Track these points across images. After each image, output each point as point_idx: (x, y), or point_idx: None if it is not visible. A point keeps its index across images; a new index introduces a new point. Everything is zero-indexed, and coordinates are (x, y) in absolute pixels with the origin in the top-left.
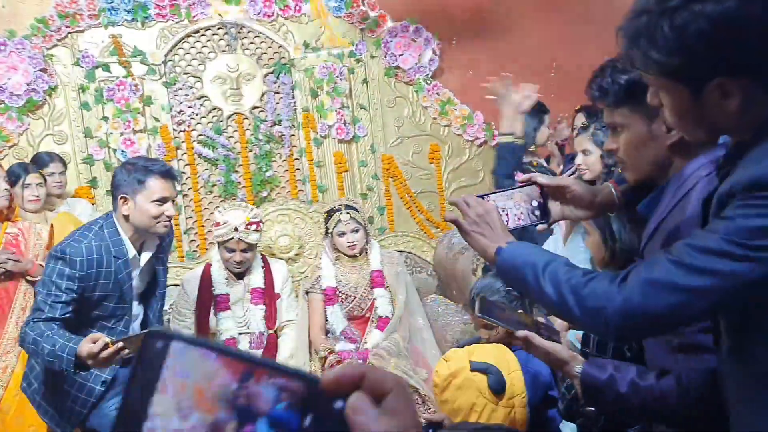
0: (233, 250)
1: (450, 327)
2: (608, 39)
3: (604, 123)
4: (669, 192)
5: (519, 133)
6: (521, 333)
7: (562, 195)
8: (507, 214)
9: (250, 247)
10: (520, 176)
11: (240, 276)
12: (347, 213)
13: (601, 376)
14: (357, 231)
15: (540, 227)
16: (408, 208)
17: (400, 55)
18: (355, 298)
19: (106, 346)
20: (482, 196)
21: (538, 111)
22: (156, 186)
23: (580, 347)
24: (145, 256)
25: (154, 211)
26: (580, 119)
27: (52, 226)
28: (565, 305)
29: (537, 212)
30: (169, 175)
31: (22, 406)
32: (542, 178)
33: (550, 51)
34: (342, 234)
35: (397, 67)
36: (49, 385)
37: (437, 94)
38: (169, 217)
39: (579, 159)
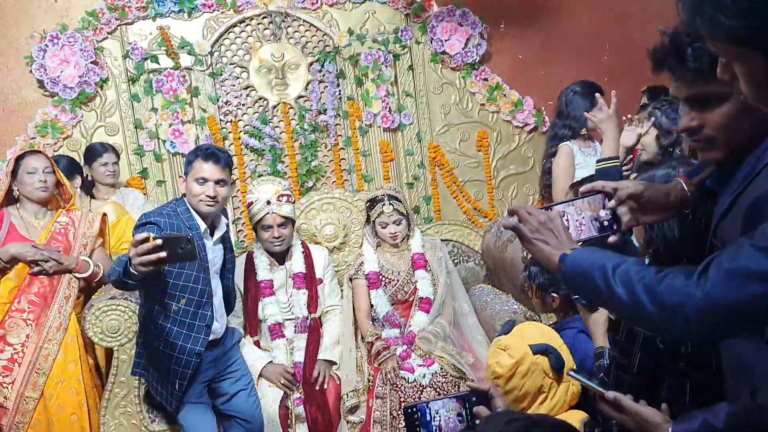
0: (270, 227)
1: (499, 316)
2: (664, 17)
3: (666, 100)
4: (747, 164)
5: (621, 158)
6: (611, 394)
7: (632, 200)
8: (573, 226)
9: (286, 222)
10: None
11: (281, 261)
12: (390, 204)
13: (693, 426)
14: (399, 223)
15: (611, 238)
16: (455, 198)
17: (446, 40)
18: (398, 282)
19: (147, 241)
20: (545, 209)
21: (591, 91)
22: (198, 166)
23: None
24: (217, 233)
25: (195, 190)
26: (644, 101)
27: (104, 214)
28: (639, 306)
29: (605, 222)
30: (211, 157)
31: (65, 394)
32: (609, 186)
33: (603, 32)
34: (385, 225)
35: (444, 52)
36: (158, 367)
37: (485, 79)
38: (210, 197)
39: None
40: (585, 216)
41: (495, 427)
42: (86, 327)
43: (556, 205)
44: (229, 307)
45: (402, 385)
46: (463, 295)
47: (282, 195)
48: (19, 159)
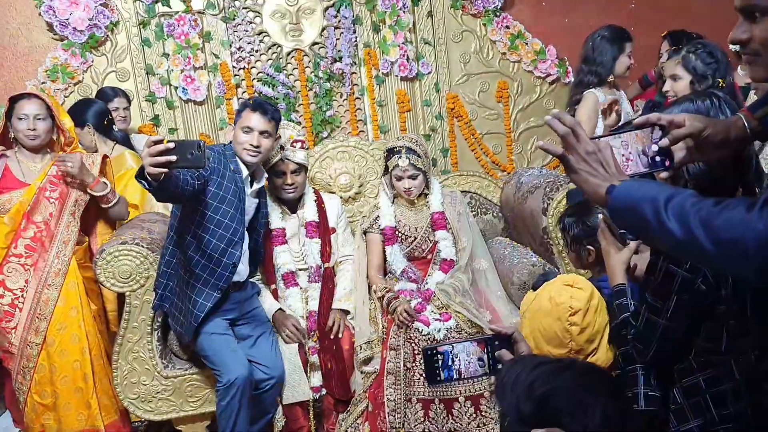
0: (283, 173)
1: (516, 269)
2: None
3: (699, 43)
4: None
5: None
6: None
7: (690, 138)
8: (619, 161)
9: (299, 169)
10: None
11: (293, 210)
12: (407, 158)
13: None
14: (415, 177)
15: (663, 174)
16: (473, 150)
17: None
18: (415, 239)
19: (161, 142)
20: (593, 140)
21: (619, 38)
22: (246, 116)
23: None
24: (255, 185)
25: (240, 138)
26: (665, 47)
27: (105, 156)
28: (694, 241)
29: (657, 158)
30: (259, 108)
31: (66, 340)
32: (664, 120)
33: None
34: (399, 178)
35: None
36: (179, 296)
37: (507, 27)
38: (254, 147)
39: (667, 85)
40: (632, 150)
41: (523, 371)
42: (97, 272)
43: (604, 136)
44: (254, 263)
45: (416, 336)
46: (483, 251)
47: (296, 141)
48: (13, 101)
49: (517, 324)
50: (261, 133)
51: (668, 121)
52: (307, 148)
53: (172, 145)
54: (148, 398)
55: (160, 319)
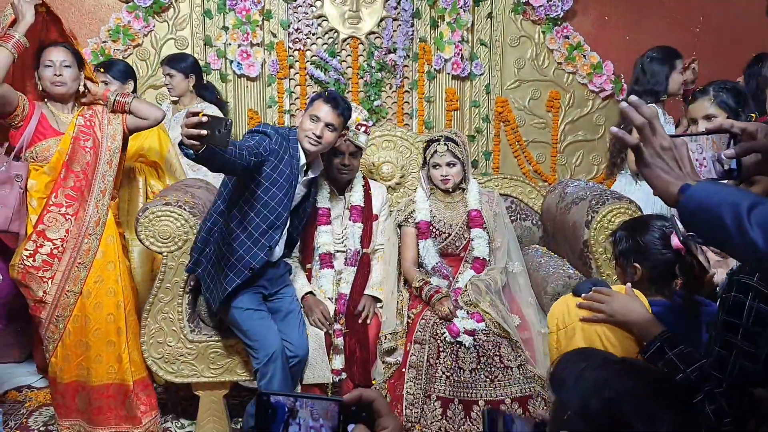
0: (342, 153)
1: (552, 279)
2: None
3: (724, 84)
4: None
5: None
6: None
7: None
8: (696, 165)
9: (357, 152)
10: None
11: (341, 192)
12: (445, 144)
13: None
14: (453, 165)
15: (730, 183)
16: (516, 157)
17: None
18: (449, 235)
19: (197, 116)
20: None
21: (669, 56)
22: (317, 105)
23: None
24: (310, 174)
25: (306, 125)
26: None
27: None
28: None
29: (729, 165)
30: (332, 101)
31: (102, 293)
32: (738, 127)
33: (698, 2)
34: (437, 166)
35: (527, 3)
36: (213, 264)
37: (566, 37)
38: (317, 136)
39: (702, 126)
40: (706, 156)
41: (589, 366)
42: (138, 230)
43: (676, 136)
44: (289, 245)
45: (442, 333)
46: (518, 254)
47: (361, 124)
48: (40, 51)
49: (546, 334)
50: (327, 125)
51: (741, 129)
52: (369, 134)
53: (205, 119)
54: (171, 360)
55: (192, 284)
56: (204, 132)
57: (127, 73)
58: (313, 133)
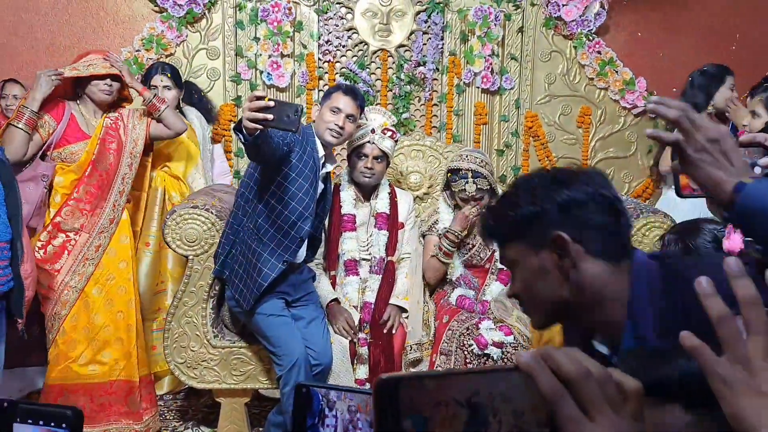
0: (366, 156)
1: None
2: None
3: None
4: None
5: None
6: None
7: None
8: None
9: (383, 157)
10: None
11: (367, 198)
12: (474, 183)
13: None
14: (481, 198)
15: None
16: None
17: (564, 5)
18: (473, 246)
19: (262, 98)
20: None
21: (720, 72)
22: (336, 97)
23: None
24: (327, 167)
25: (327, 117)
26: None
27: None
28: None
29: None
30: (350, 92)
31: (113, 291)
32: None
33: (734, 20)
34: (465, 201)
35: (559, 18)
36: (241, 264)
37: (598, 52)
38: (339, 127)
39: (746, 119)
40: None
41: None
42: (165, 232)
43: None
44: (312, 248)
45: (470, 344)
46: None
47: (388, 129)
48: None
49: None
50: (348, 116)
51: None
52: (396, 140)
53: (272, 103)
54: (194, 365)
55: (216, 288)
56: (270, 116)
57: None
58: (336, 125)
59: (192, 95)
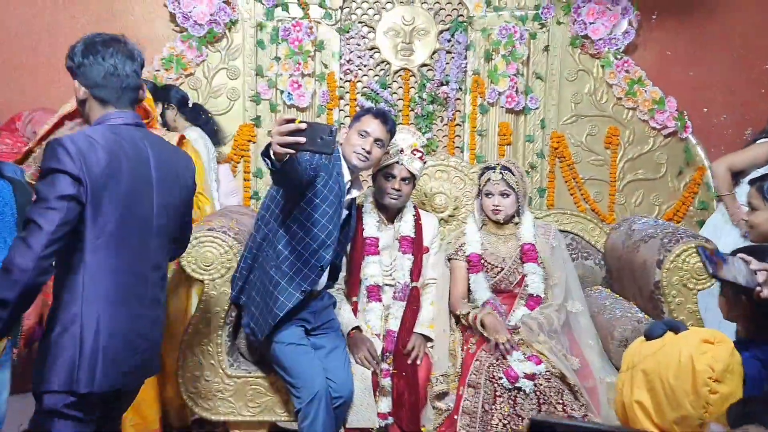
0: (393, 177)
1: (619, 323)
2: None
3: None
4: None
5: None
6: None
7: None
8: None
9: (410, 179)
10: None
11: (391, 220)
12: (500, 173)
13: None
14: (506, 195)
15: None
16: (572, 194)
17: (591, 23)
18: (502, 269)
19: (292, 122)
20: None
21: None
22: (366, 120)
23: None
24: (353, 192)
25: (354, 140)
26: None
27: (182, 136)
28: None
29: None
30: (381, 116)
31: None
32: None
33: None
34: (489, 194)
35: (586, 36)
36: (259, 291)
37: (627, 71)
38: (366, 151)
39: (743, 213)
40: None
41: None
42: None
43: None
44: (332, 275)
45: (499, 377)
46: (578, 293)
47: (417, 150)
48: None
49: (611, 384)
50: (376, 140)
51: None
52: (424, 162)
53: (303, 126)
54: (207, 395)
55: (233, 314)
56: (302, 139)
57: (153, 95)
58: (363, 149)
59: (199, 117)
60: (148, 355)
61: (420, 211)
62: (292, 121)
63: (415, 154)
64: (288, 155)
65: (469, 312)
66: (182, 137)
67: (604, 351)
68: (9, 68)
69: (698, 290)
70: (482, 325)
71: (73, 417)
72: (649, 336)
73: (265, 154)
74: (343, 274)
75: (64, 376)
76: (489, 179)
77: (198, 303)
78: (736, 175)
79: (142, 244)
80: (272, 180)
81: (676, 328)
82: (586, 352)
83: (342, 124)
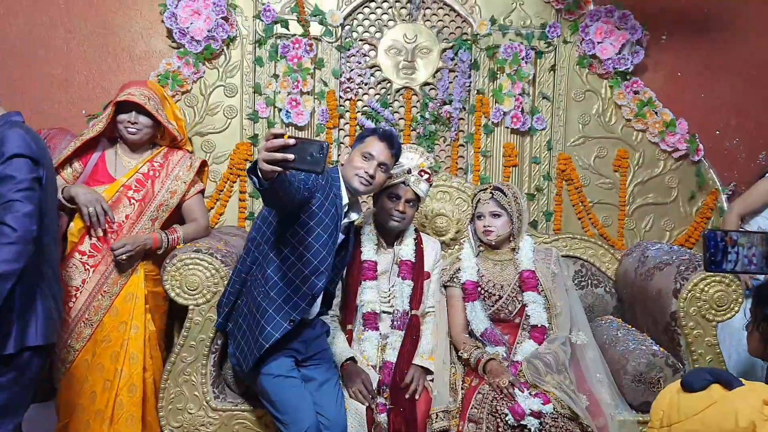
0: (398, 198)
1: (632, 356)
2: None
3: None
4: None
5: None
6: None
7: None
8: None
9: (416, 201)
10: None
11: (390, 244)
12: (490, 193)
13: None
14: (497, 216)
15: None
16: (580, 219)
17: (599, 43)
18: (500, 298)
19: (281, 137)
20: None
21: None
22: (371, 142)
23: None
24: (351, 216)
25: (357, 162)
26: None
27: (204, 162)
28: None
29: None
30: (386, 139)
31: (106, 355)
32: None
33: None
34: (480, 216)
35: (594, 56)
36: (246, 318)
37: (636, 92)
38: (369, 175)
39: None
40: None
41: None
42: (164, 278)
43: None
44: (326, 302)
45: (504, 412)
46: (583, 323)
47: (424, 171)
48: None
49: (624, 421)
50: (380, 164)
51: None
52: (431, 184)
53: (292, 141)
54: (191, 430)
55: (219, 342)
56: (290, 156)
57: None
58: (366, 172)
59: None
60: None
61: (421, 234)
62: (281, 136)
63: (422, 176)
64: (276, 174)
65: (471, 356)
66: (204, 163)
67: (615, 386)
68: (2, 84)
69: (718, 322)
70: (484, 370)
71: None
72: (690, 388)
73: (252, 171)
74: (337, 300)
75: None
76: (479, 200)
77: (182, 330)
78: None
79: None
80: (263, 201)
81: (727, 382)
82: (596, 388)
83: (341, 143)
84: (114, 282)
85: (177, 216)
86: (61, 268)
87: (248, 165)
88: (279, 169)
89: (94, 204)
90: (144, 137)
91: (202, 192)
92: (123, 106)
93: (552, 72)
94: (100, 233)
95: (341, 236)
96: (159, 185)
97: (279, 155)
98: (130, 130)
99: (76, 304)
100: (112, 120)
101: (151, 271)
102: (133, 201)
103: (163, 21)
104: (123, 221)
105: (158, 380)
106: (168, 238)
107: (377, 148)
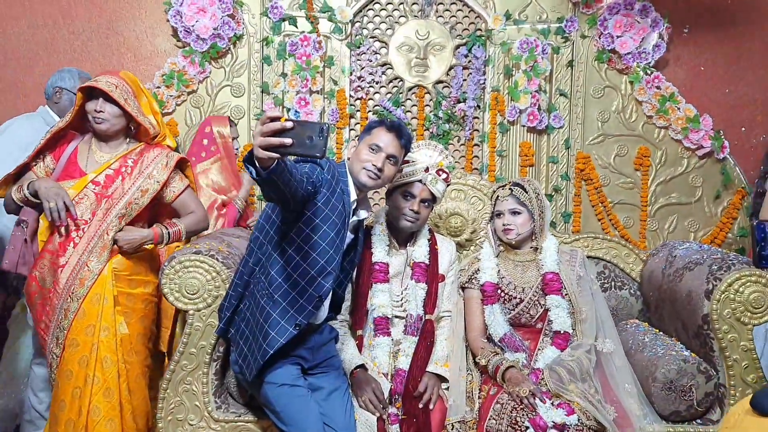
0: (413, 197)
1: (662, 362)
2: None
3: None
4: None
5: None
6: None
7: None
8: None
9: (431, 201)
10: None
11: (403, 245)
12: (510, 189)
13: None
14: (517, 213)
15: None
16: (600, 220)
17: (618, 37)
18: (521, 301)
19: (277, 120)
20: None
21: None
22: (378, 133)
23: None
24: (360, 214)
25: (364, 155)
26: None
27: (183, 159)
28: None
29: None
30: (395, 129)
31: (74, 360)
32: None
33: None
34: (500, 214)
35: (613, 50)
36: (249, 323)
37: (657, 87)
38: (377, 168)
39: None
40: None
41: None
42: (163, 282)
43: None
44: (334, 306)
45: (524, 424)
46: (611, 329)
47: (443, 170)
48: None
49: None
50: (388, 156)
51: None
52: (449, 184)
53: (290, 124)
54: None
55: (221, 349)
56: (288, 141)
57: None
58: (373, 165)
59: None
60: None
61: (436, 235)
62: (278, 119)
63: (440, 175)
64: (274, 160)
65: (489, 362)
66: (183, 160)
67: (644, 395)
68: (4, 87)
69: (754, 325)
70: (503, 378)
71: None
72: (762, 410)
73: (248, 160)
74: (347, 304)
75: None
76: (498, 197)
77: (182, 337)
78: None
79: None
80: (262, 194)
81: None
82: (623, 398)
83: (352, 142)
84: (80, 283)
85: (166, 213)
86: (33, 269)
87: (244, 156)
88: (276, 155)
89: (54, 198)
90: (112, 128)
91: (189, 187)
92: (92, 96)
93: (569, 68)
94: (63, 230)
95: (350, 235)
96: (130, 183)
97: (276, 140)
98: (96, 119)
99: (54, 308)
100: (83, 110)
101: (123, 270)
102: (100, 197)
103: (167, 20)
104: (89, 218)
105: (134, 388)
106: (169, 232)
107: (385, 139)
